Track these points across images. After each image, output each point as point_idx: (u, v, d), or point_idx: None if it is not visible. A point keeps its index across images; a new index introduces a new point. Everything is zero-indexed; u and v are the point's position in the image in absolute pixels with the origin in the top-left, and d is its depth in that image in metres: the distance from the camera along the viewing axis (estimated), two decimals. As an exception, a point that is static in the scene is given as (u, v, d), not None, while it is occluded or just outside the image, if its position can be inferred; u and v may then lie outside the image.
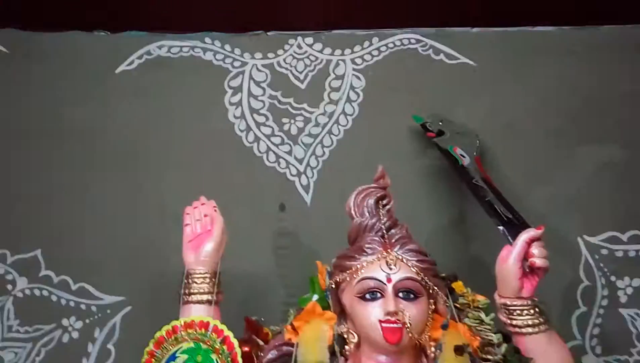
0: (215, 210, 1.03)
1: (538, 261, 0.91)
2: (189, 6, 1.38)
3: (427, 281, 0.91)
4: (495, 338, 0.91)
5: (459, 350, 0.87)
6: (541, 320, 0.91)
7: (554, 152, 1.32)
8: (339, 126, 1.35)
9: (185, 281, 0.96)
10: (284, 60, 1.39)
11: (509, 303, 0.92)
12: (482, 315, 0.93)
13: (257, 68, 1.38)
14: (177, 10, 1.38)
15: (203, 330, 0.91)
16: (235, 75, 1.38)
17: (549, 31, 1.39)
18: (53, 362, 1.23)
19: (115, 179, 1.31)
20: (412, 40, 1.40)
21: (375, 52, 1.39)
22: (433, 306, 0.93)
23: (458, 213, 1.29)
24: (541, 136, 1.33)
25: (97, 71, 1.37)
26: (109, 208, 1.30)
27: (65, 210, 1.29)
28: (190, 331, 0.91)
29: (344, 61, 1.39)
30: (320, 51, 1.40)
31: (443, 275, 0.98)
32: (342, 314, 0.95)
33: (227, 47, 1.39)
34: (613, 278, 1.26)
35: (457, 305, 0.95)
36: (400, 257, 0.93)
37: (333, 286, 0.95)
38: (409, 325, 0.86)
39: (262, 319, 1.01)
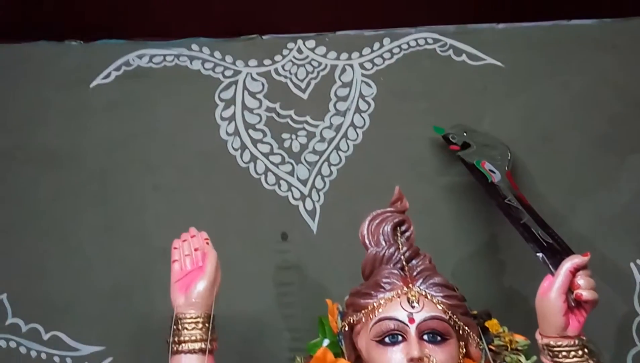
0: (207, 243, 1.03)
1: (585, 294, 0.90)
2: (172, 9, 1.39)
3: (456, 320, 0.91)
4: (538, 384, 0.90)
5: (495, 400, 0.86)
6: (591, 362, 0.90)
7: (599, 163, 1.32)
8: (348, 141, 1.36)
9: (174, 327, 0.95)
10: (283, 67, 1.41)
11: (552, 343, 0.91)
12: (522, 359, 0.92)
13: (252, 77, 1.40)
14: (160, 15, 1.40)
15: (196, 384, 0.90)
16: (227, 86, 1.39)
17: (587, 24, 1.40)
18: (22, 425, 1.23)
19: (90, 208, 1.32)
20: (429, 40, 1.41)
21: (387, 55, 1.40)
22: (464, 350, 0.92)
23: (489, 239, 1.29)
24: (583, 145, 1.33)
25: (69, 85, 1.38)
26: (84, 242, 1.30)
27: (33, 247, 1.30)
28: (181, 385, 0.90)
29: (351, 65, 1.40)
30: (324, 55, 1.41)
31: (474, 312, 0.98)
32: (358, 361, 0.94)
33: (217, 54, 1.41)
34: (675, 310, 1.25)
35: (492, 348, 0.94)
36: (423, 293, 0.92)
37: (346, 328, 0.95)
38: (436, 372, 0.85)
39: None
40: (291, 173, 1.34)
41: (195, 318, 0.96)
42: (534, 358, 0.94)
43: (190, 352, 0.94)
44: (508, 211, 1.11)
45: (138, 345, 1.23)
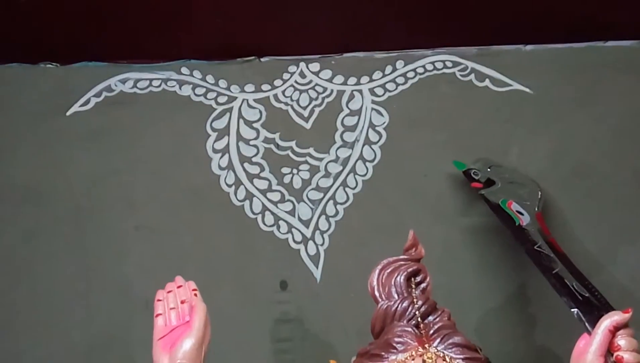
0: (195, 294, 1.03)
1: (627, 357, 0.89)
2: (159, 29, 1.42)
3: (479, 386, 0.90)
4: None
5: None
6: None
7: (643, 203, 1.33)
8: (356, 176, 1.37)
9: (157, 391, 0.95)
10: (283, 93, 1.42)
11: None
12: None
13: (249, 104, 1.42)
14: (145, 34, 1.42)
15: None
16: (221, 114, 1.41)
17: (626, 46, 1.42)
18: None
19: (65, 252, 1.33)
20: (448, 63, 1.43)
21: (400, 80, 1.42)
22: (487, 420, 0.91)
23: (517, 290, 1.29)
24: (624, 182, 1.34)
25: (44, 112, 1.41)
26: (58, 291, 1.31)
27: (1, 295, 1.30)
28: None
29: (360, 91, 1.42)
30: (330, 80, 1.43)
31: (499, 376, 0.97)
32: None
33: (210, 78, 1.43)
34: None
35: (520, 417, 0.94)
36: (441, 354, 0.92)
37: (355, 394, 0.94)
38: None
39: None
40: (292, 213, 1.35)
41: (181, 381, 0.95)
42: None
43: (175, 420, 0.93)
44: (538, 259, 1.10)
45: (115, 411, 1.23)
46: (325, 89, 1.42)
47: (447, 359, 0.91)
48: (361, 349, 0.97)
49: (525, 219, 1.19)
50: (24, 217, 1.35)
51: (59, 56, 1.43)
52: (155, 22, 1.41)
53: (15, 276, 1.32)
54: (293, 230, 1.34)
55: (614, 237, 1.31)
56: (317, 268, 1.32)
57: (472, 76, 1.42)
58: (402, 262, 1.01)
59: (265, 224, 1.35)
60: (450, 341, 0.93)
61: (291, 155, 1.38)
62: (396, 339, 0.93)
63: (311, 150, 1.39)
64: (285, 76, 1.44)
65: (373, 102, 1.41)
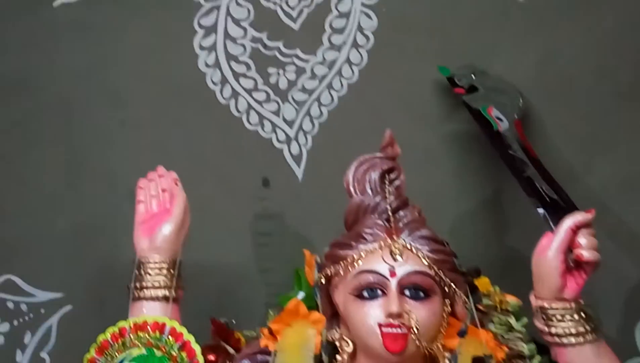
0: (176, 184, 1.06)
1: (586, 254, 0.92)
2: None
3: (442, 276, 0.94)
4: (526, 349, 0.94)
5: (478, 362, 0.90)
6: (587, 327, 0.93)
7: (622, 116, 1.34)
8: (342, 79, 1.38)
9: (137, 272, 1.00)
10: (272, -9, 1.41)
11: (547, 306, 0.94)
12: (512, 320, 0.96)
13: (237, 2, 1.39)
14: None
15: (157, 333, 0.94)
16: (208, 11, 1.39)
17: (621, -43, 1.40)
18: (-30, 376, 1.29)
19: (51, 143, 1.35)
20: (439, -35, 1.41)
21: (390, -18, 1.41)
22: (449, 308, 0.96)
23: (492, 195, 1.33)
24: (605, 96, 1.35)
25: (29, 3, 1.38)
26: (43, 180, 1.34)
27: (-14, 183, 1.34)
28: (141, 334, 0.94)
29: (349, -7, 1.40)
30: (320, -20, 1.41)
31: (463, 269, 1.00)
32: (334, 316, 0.99)
33: (198, -28, 1.41)
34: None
35: (480, 307, 0.98)
36: (408, 246, 0.95)
37: (323, 281, 0.98)
38: (415, 330, 0.89)
39: (233, 321, 1.06)
40: (276, 113, 1.37)
41: (159, 263, 1.00)
42: (525, 320, 0.97)
43: (152, 299, 0.98)
44: (512, 163, 1.13)
45: (100, 293, 1.28)
46: (314, -12, 1.41)
47: (414, 251, 0.95)
48: (333, 240, 1.01)
49: (503, 125, 1.22)
50: (10, 108, 1.35)
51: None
52: None
53: (2, 166, 1.34)
54: (277, 129, 1.36)
55: (590, 147, 1.33)
56: (299, 167, 1.35)
57: (463, -19, 1.40)
58: (377, 160, 1.03)
59: (250, 123, 1.36)
60: (418, 234, 0.97)
61: (278, 55, 1.38)
62: (366, 230, 0.97)
63: (298, 51, 1.38)
64: (275, -26, 1.42)
65: (362, 5, 1.38)
